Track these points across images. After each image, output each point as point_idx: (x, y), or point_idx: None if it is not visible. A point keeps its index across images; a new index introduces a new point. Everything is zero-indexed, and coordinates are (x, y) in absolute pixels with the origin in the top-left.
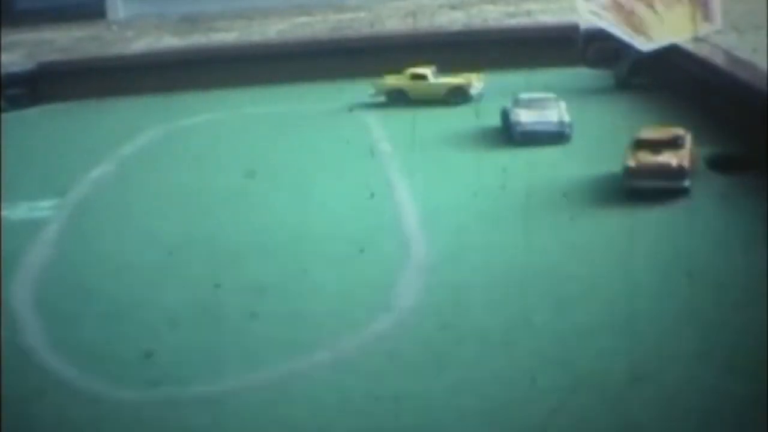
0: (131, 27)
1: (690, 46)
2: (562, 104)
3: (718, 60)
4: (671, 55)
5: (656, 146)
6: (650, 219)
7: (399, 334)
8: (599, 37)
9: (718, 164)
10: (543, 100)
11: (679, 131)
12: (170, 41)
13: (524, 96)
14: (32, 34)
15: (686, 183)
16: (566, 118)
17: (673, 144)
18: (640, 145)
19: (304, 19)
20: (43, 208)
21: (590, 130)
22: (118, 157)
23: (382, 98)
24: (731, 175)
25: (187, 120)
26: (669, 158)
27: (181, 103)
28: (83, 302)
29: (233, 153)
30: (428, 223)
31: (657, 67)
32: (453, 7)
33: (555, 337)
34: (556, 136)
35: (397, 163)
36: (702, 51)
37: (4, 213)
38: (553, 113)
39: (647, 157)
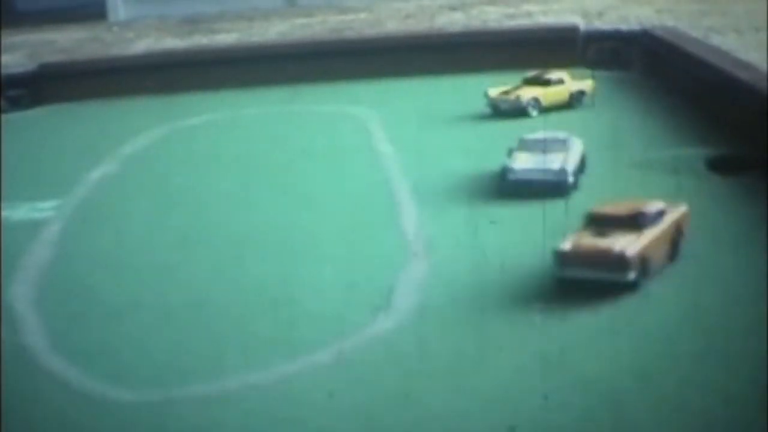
0: (132, 28)
1: (690, 47)
2: (575, 146)
3: (719, 60)
4: (672, 55)
5: (607, 225)
6: None
7: (399, 334)
8: (599, 38)
9: (718, 165)
10: (550, 142)
11: (654, 206)
12: (171, 42)
13: (530, 137)
14: (33, 36)
15: (630, 276)
16: (570, 166)
17: (632, 223)
18: (590, 222)
19: (303, 20)
20: (43, 208)
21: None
22: (118, 158)
23: None
24: (731, 176)
25: (188, 120)
26: (614, 242)
27: (182, 104)
28: (83, 302)
29: (233, 153)
30: (428, 223)
31: (657, 68)
32: (453, 9)
33: (556, 338)
34: (553, 188)
35: (398, 164)
36: (702, 51)
37: (4, 213)
38: (557, 158)
39: (587, 239)
